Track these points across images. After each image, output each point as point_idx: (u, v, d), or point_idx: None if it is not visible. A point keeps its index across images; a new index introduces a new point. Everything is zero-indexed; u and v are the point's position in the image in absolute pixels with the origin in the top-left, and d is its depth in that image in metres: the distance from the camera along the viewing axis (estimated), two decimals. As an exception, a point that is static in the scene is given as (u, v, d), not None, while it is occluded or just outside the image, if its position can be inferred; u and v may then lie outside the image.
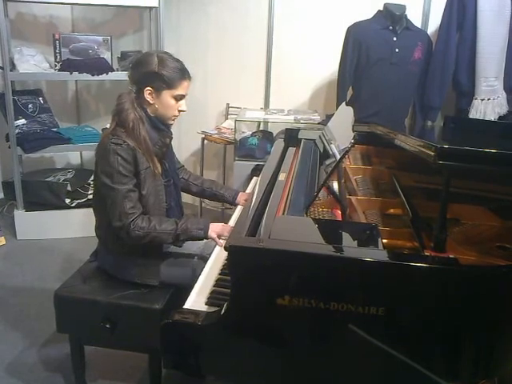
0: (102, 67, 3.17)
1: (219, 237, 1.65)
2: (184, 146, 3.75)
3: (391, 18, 2.80)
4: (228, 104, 3.62)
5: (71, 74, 3.11)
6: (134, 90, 1.65)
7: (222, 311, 1.18)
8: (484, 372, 1.16)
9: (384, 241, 1.32)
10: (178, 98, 1.68)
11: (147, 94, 1.64)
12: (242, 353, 1.19)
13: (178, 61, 1.68)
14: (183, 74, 1.66)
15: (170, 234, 1.63)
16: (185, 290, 1.45)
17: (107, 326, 1.65)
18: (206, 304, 1.32)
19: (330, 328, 1.14)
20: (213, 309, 1.26)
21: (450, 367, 1.14)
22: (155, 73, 1.62)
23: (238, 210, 1.96)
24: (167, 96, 1.65)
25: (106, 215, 1.67)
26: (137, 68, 1.65)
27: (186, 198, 2.21)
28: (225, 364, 1.22)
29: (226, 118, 3.62)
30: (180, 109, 1.70)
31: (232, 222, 1.87)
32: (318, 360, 1.16)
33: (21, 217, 3.25)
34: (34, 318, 2.35)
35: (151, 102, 1.66)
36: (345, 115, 1.86)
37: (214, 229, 1.67)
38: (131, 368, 2.03)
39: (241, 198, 2.00)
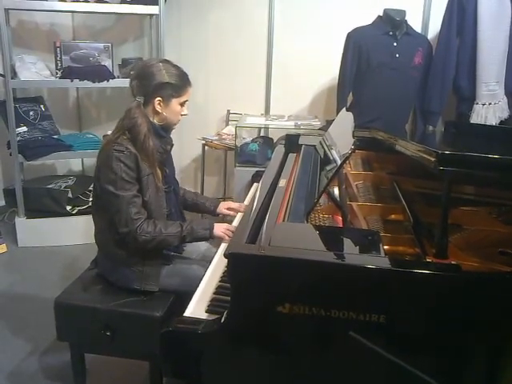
0: (103, 74, 3.18)
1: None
2: (185, 152, 3.75)
3: (391, 23, 2.81)
4: (229, 110, 3.63)
5: (72, 81, 3.12)
6: (142, 101, 1.66)
7: (222, 319, 1.17)
8: (488, 381, 1.14)
9: (385, 247, 1.31)
10: (184, 104, 1.71)
11: (157, 104, 1.66)
12: (242, 361, 1.18)
13: (178, 67, 1.71)
14: (187, 80, 1.70)
15: (176, 236, 1.65)
16: (185, 297, 1.45)
17: (107, 333, 1.65)
18: (206, 312, 1.31)
19: (331, 335, 1.13)
20: (213, 316, 1.25)
21: (453, 375, 1.13)
22: (165, 83, 1.64)
23: (239, 216, 1.96)
24: (175, 104, 1.68)
25: (106, 222, 1.68)
26: (144, 80, 1.65)
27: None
28: (225, 372, 1.21)
29: (227, 124, 3.63)
30: (183, 113, 1.73)
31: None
32: (319, 367, 1.15)
33: (22, 224, 3.25)
34: (34, 326, 2.34)
35: (160, 111, 1.67)
36: (345, 121, 1.86)
37: (219, 228, 1.69)
38: (132, 376, 2.01)
39: (222, 207, 2.00)
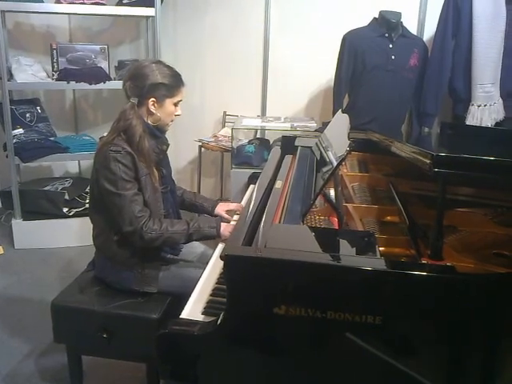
0: (100, 76, 3.18)
1: None
2: (181, 153, 3.75)
3: (387, 25, 2.82)
4: (225, 112, 3.63)
5: (68, 83, 3.12)
6: (136, 102, 1.66)
7: (219, 321, 1.17)
8: (485, 383, 1.14)
9: (381, 249, 1.32)
10: (177, 104, 1.72)
11: (151, 104, 1.66)
12: (238, 363, 1.18)
13: (171, 68, 1.72)
14: (180, 80, 1.71)
15: (183, 234, 1.65)
16: (182, 298, 1.45)
17: (104, 335, 1.64)
18: (202, 313, 1.31)
19: (328, 337, 1.13)
20: (209, 318, 1.25)
21: (448, 377, 1.13)
22: (158, 83, 1.64)
23: (236, 217, 1.96)
24: (169, 104, 1.69)
25: (107, 223, 1.68)
26: (137, 81, 1.65)
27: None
28: (222, 374, 1.21)
29: (223, 126, 3.63)
30: (176, 113, 1.74)
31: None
32: (315, 369, 1.16)
33: (18, 226, 3.24)
34: (31, 328, 2.34)
35: (154, 111, 1.67)
36: (341, 123, 1.87)
37: (226, 228, 1.69)
38: (129, 378, 2.01)
39: (219, 208, 2.00)
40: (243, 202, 2.11)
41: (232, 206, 2.03)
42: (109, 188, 1.60)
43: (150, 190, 1.67)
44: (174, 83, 1.68)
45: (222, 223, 1.71)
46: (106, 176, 1.60)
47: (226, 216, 1.98)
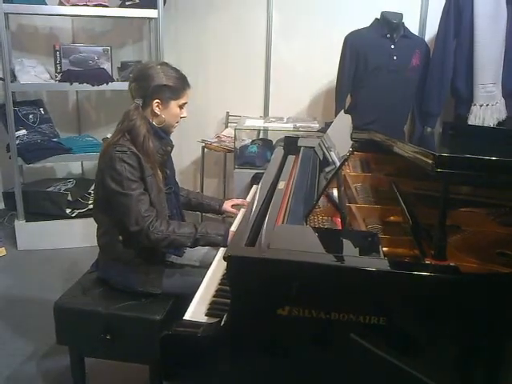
0: (102, 77, 3.19)
1: None
2: (184, 154, 3.75)
3: (388, 25, 2.82)
4: (228, 112, 3.63)
5: (71, 84, 3.13)
6: (141, 103, 1.66)
7: (222, 322, 1.17)
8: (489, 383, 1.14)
9: (384, 249, 1.32)
10: (183, 106, 1.72)
11: (155, 106, 1.66)
12: (242, 364, 1.18)
13: (177, 70, 1.71)
14: (186, 82, 1.71)
15: (189, 237, 1.64)
16: (185, 300, 1.45)
17: (107, 337, 1.64)
18: (205, 315, 1.31)
19: (332, 338, 1.13)
20: (213, 319, 1.25)
21: (453, 377, 1.13)
22: (163, 85, 1.64)
23: (238, 217, 1.96)
24: (174, 106, 1.69)
25: (112, 223, 1.68)
26: (142, 82, 1.66)
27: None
28: (225, 375, 1.21)
29: (226, 127, 3.63)
30: (182, 116, 1.74)
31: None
32: (319, 369, 1.15)
33: (21, 227, 3.25)
34: (33, 330, 2.34)
35: (159, 113, 1.68)
36: (343, 123, 1.86)
37: None
38: (132, 380, 2.01)
39: (227, 204, 2.02)
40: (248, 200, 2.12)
41: (237, 200, 2.07)
42: (115, 188, 1.60)
43: (154, 191, 1.67)
44: (179, 85, 1.68)
45: (230, 230, 1.67)
46: (112, 176, 1.60)
47: (234, 210, 2.01)
